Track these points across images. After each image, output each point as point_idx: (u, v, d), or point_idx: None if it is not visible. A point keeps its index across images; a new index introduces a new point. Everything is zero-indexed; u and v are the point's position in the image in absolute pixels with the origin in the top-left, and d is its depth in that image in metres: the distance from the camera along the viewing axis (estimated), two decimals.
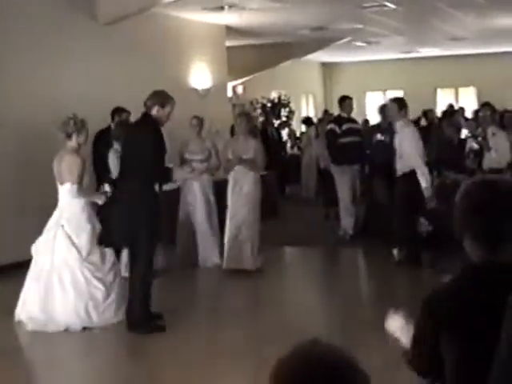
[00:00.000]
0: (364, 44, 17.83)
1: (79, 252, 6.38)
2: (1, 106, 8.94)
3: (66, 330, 6.28)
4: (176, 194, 8.72)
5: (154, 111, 6.29)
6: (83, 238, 6.42)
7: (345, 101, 10.30)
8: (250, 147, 8.43)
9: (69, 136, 6.49)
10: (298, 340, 1.59)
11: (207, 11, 12.07)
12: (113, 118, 8.88)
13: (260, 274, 8.18)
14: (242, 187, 8.35)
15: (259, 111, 18.40)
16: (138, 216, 6.10)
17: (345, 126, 10.06)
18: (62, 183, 6.51)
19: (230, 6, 11.65)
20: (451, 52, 20.47)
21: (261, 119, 17.86)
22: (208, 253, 8.73)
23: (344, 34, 15.75)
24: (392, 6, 12.11)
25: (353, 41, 16.83)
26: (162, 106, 6.31)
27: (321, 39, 16.17)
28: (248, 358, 5.65)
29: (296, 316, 6.68)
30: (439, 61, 21.42)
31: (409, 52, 20.35)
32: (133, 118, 9.07)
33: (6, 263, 8.57)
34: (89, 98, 9.96)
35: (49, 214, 6.62)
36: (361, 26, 14.55)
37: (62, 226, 6.43)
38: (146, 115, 6.36)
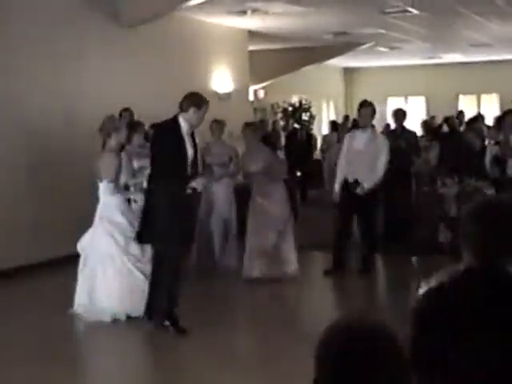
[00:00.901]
0: (386, 49, 17.79)
1: (118, 244, 6.70)
2: (23, 106, 9.02)
3: (113, 319, 6.58)
4: (197, 194, 8.72)
5: (191, 112, 6.32)
6: (118, 232, 6.73)
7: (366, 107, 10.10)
8: (260, 159, 8.24)
9: (109, 135, 6.78)
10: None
11: (230, 15, 12.11)
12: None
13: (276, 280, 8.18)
14: (266, 206, 8.23)
15: (280, 115, 18.42)
16: (157, 216, 6.21)
17: None
18: (100, 180, 6.80)
19: (253, 11, 11.68)
20: (474, 58, 20.36)
21: (282, 123, 17.88)
22: (224, 255, 8.74)
23: (366, 39, 15.74)
24: (415, 11, 12.08)
25: (375, 46, 16.80)
26: (198, 107, 6.34)
27: (343, 44, 16.16)
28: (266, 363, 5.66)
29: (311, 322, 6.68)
30: (461, 67, 21.32)
31: (431, 58, 20.27)
32: (150, 119, 9.16)
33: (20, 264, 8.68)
34: (110, 101, 10.02)
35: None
36: (383, 32, 14.53)
37: (102, 221, 6.76)
38: (174, 118, 6.40)
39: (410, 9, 11.86)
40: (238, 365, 5.66)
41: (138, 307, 6.53)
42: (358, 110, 8.47)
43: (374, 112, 8.40)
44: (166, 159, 6.23)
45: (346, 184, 8.31)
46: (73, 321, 6.73)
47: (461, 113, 15.89)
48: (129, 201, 7.06)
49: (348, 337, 1.67)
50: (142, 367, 5.94)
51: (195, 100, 6.38)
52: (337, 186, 8.39)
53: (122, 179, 6.90)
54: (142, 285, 6.60)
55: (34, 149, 9.14)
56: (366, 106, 8.37)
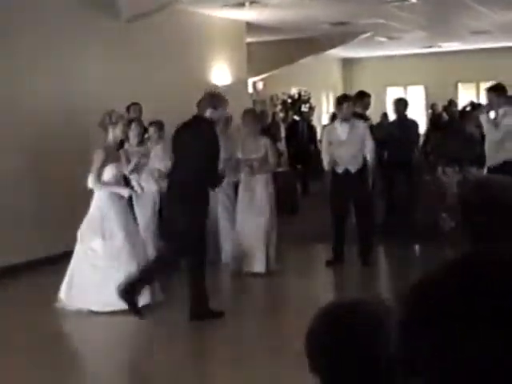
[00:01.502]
0: (385, 39, 17.75)
1: (82, 238, 6.82)
2: (20, 103, 9.00)
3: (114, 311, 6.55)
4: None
5: (208, 113, 6.37)
6: (87, 225, 6.84)
7: (363, 98, 10.16)
8: (260, 146, 8.28)
9: (105, 130, 6.85)
10: None
11: (228, 7, 12.09)
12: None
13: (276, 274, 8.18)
14: (254, 193, 8.25)
15: (279, 107, 18.40)
16: (180, 215, 6.30)
17: None
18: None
19: (251, 2, 11.65)
20: (473, 46, 20.31)
21: (281, 115, 17.86)
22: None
23: (365, 29, 15.69)
24: (414, 0, 12.05)
25: (374, 36, 16.75)
26: (215, 107, 6.40)
27: (342, 34, 16.11)
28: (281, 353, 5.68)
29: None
30: (460, 55, 21.26)
31: (430, 47, 20.23)
32: (150, 113, 9.17)
33: (19, 261, 8.68)
34: (108, 95, 10.01)
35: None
36: (382, 21, 14.48)
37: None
38: (197, 117, 6.43)
39: None
40: (248, 355, 5.68)
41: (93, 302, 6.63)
42: (356, 99, 8.58)
43: (354, 104, 8.65)
44: (214, 162, 6.32)
45: (333, 175, 8.39)
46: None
47: (451, 102, 15.89)
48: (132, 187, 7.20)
49: (334, 312, 1.71)
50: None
51: (212, 100, 6.45)
52: (327, 166, 8.46)
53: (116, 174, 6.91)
54: (96, 279, 6.65)
55: (34, 149, 9.14)
56: (348, 101, 8.52)
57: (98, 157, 6.78)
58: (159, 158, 8.24)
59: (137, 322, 6.44)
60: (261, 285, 7.99)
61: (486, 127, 8.03)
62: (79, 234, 6.87)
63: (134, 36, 10.71)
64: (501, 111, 7.90)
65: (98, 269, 6.69)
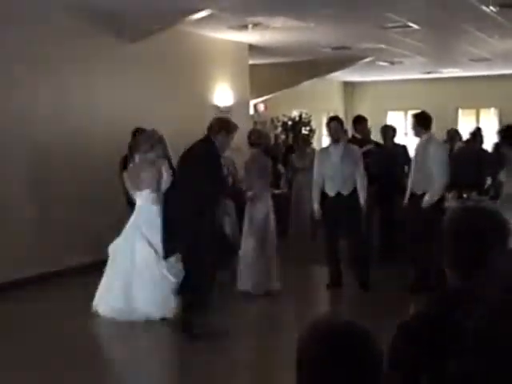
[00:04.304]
0: (386, 64, 17.86)
1: (156, 251, 7.16)
2: (27, 121, 9.05)
3: (147, 319, 7.01)
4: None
5: (221, 136, 6.66)
6: (158, 239, 7.20)
7: (360, 123, 10.21)
8: (267, 167, 8.41)
9: (151, 149, 7.33)
10: None
11: (231, 30, 12.17)
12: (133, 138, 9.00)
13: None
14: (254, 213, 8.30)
15: (280, 129, 18.44)
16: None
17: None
18: (140, 190, 7.31)
19: (254, 25, 11.74)
20: (473, 73, 20.43)
21: (282, 137, 17.91)
22: None
23: (367, 54, 15.79)
24: (416, 26, 12.14)
25: (375, 60, 16.86)
26: (228, 132, 6.75)
27: (343, 58, 16.21)
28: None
29: None
30: (461, 81, 21.37)
31: (431, 72, 20.34)
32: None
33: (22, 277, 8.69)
34: (113, 115, 10.08)
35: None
36: (384, 46, 14.59)
37: (141, 228, 7.22)
38: (208, 139, 6.69)
39: (411, 24, 11.93)
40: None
41: (172, 310, 7.05)
42: (327, 124, 8.64)
43: (342, 125, 8.66)
44: (214, 183, 6.62)
45: (325, 198, 8.38)
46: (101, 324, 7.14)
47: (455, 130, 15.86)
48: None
49: (324, 333, 1.76)
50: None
51: (226, 125, 6.81)
52: (315, 204, 8.42)
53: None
54: (171, 289, 7.10)
55: (35, 164, 9.17)
56: (335, 120, 8.58)
57: (156, 175, 7.26)
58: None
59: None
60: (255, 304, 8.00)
61: None
62: (150, 247, 7.17)
63: (137, 56, 10.78)
64: None
65: (177, 277, 7.08)
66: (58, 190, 9.34)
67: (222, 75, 13.24)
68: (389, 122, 22.16)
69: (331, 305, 8.43)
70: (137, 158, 7.56)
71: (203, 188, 6.47)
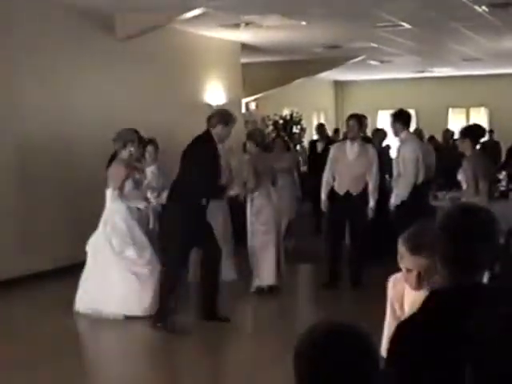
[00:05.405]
0: (378, 63, 17.90)
1: (113, 250, 7.06)
2: (15, 120, 9.01)
3: (112, 318, 6.95)
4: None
5: (218, 129, 6.68)
6: (116, 237, 7.09)
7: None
8: (268, 164, 8.46)
9: (124, 146, 7.14)
10: None
11: (223, 28, 12.17)
12: None
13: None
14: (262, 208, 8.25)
15: (271, 128, 18.44)
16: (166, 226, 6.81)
17: None
18: (107, 188, 7.21)
19: (246, 24, 11.74)
20: (464, 72, 20.52)
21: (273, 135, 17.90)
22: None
23: (358, 53, 15.83)
24: (407, 25, 12.17)
25: (367, 59, 16.89)
26: (226, 124, 6.73)
27: (335, 57, 16.25)
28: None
29: None
30: (452, 81, 21.48)
31: (422, 71, 20.40)
32: (143, 132, 9.17)
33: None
34: (103, 113, 10.05)
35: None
36: (375, 45, 14.62)
37: (105, 226, 7.15)
38: (207, 133, 6.74)
39: (402, 23, 11.96)
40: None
41: (135, 309, 6.94)
42: (346, 121, 8.56)
43: (360, 124, 8.44)
44: (204, 169, 6.55)
45: (333, 195, 8.34)
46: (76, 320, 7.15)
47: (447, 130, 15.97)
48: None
49: (321, 335, 1.77)
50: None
51: (224, 117, 6.78)
52: (323, 196, 8.40)
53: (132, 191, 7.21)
54: (137, 286, 6.98)
55: (21, 163, 9.14)
56: (354, 118, 8.42)
57: (118, 174, 7.10)
58: (156, 176, 8.43)
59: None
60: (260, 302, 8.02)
61: None
62: (110, 246, 7.09)
63: (129, 54, 10.75)
64: None
65: (138, 276, 7.00)
66: (45, 189, 9.28)
67: (215, 74, 13.23)
68: (380, 121, 22.33)
69: (329, 304, 8.40)
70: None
71: (192, 177, 6.52)
